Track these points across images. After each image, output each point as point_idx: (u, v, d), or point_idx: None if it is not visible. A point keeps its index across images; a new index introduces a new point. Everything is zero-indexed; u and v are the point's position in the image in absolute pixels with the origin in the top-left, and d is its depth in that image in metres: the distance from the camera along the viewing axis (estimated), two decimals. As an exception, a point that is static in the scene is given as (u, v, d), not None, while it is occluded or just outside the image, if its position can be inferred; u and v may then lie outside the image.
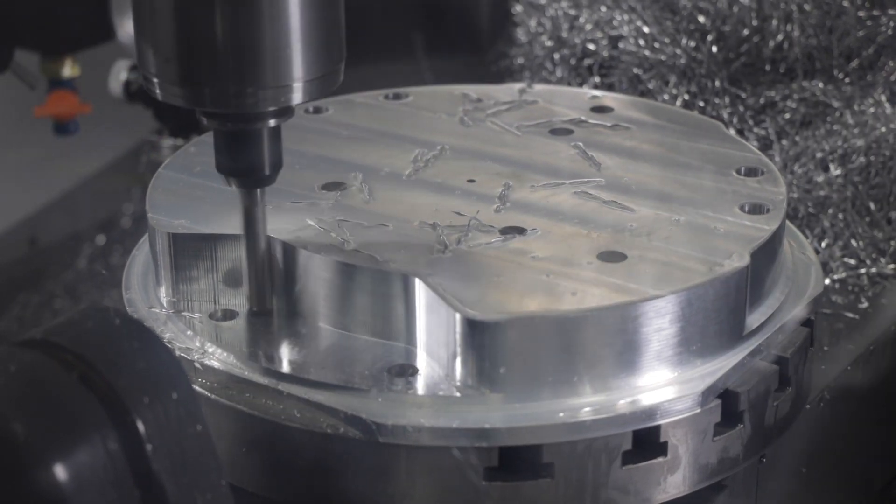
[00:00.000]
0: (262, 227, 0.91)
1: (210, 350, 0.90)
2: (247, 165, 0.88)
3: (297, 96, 0.85)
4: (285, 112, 0.87)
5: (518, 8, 1.45)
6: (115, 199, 1.63)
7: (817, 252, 1.12)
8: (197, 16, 0.82)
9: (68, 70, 0.73)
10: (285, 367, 0.88)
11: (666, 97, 1.30)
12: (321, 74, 0.85)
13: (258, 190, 0.90)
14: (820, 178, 1.21)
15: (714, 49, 1.31)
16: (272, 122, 0.87)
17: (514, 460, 0.85)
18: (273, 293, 0.93)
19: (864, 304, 1.14)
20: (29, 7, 0.72)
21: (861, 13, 1.33)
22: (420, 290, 0.88)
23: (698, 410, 0.88)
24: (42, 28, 0.73)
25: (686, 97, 1.30)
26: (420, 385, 0.87)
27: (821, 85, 1.29)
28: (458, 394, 0.86)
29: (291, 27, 0.83)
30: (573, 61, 1.36)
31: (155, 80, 0.85)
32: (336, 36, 0.86)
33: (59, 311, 1.54)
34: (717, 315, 0.89)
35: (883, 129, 1.22)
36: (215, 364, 0.89)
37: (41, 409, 0.70)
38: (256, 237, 0.91)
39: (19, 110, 1.57)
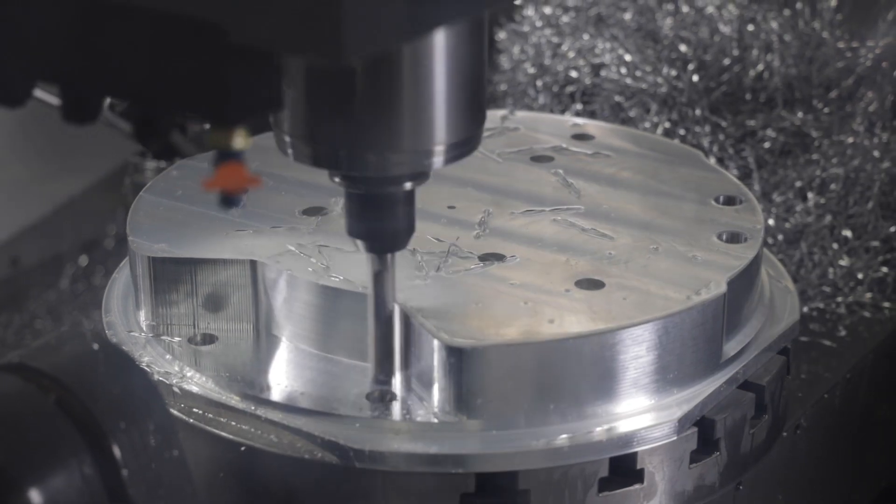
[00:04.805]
0: (391, 294, 0.86)
1: (189, 374, 0.90)
2: (379, 229, 0.83)
3: (437, 161, 0.80)
4: (422, 175, 0.82)
5: (502, 35, 1.45)
6: (97, 221, 1.62)
7: (795, 280, 1.12)
8: (335, 76, 0.76)
9: (240, 141, 0.67)
10: (263, 392, 0.89)
11: (647, 125, 1.31)
12: (462, 139, 0.80)
13: (389, 255, 0.85)
14: (799, 207, 1.22)
15: (695, 78, 1.32)
16: (408, 186, 0.82)
17: (491, 487, 0.85)
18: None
19: (842, 333, 1.15)
20: (197, 74, 0.66)
21: (840, 44, 1.34)
22: (398, 315, 0.88)
23: (675, 438, 0.88)
24: (212, 96, 0.67)
25: (667, 125, 1.31)
26: (398, 411, 0.87)
27: (800, 115, 1.30)
28: (435, 420, 0.86)
29: (434, 90, 0.77)
30: (555, 88, 1.37)
31: (287, 138, 0.79)
32: (478, 99, 0.80)
33: (40, 332, 1.53)
34: (695, 343, 0.90)
35: (861, 160, 1.23)
36: (194, 388, 0.89)
37: (17, 432, 0.70)
38: (385, 303, 0.86)
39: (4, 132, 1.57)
